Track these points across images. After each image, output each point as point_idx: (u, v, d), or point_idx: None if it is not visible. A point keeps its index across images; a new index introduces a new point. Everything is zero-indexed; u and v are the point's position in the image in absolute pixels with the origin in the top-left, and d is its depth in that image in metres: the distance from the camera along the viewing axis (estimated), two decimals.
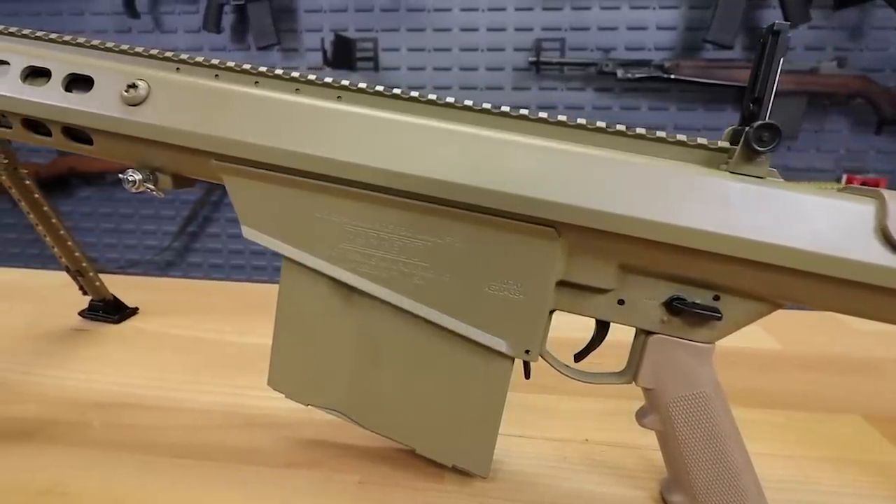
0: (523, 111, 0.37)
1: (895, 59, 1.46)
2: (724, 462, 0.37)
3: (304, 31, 1.62)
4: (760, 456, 0.39)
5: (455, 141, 0.36)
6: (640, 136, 0.35)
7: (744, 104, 0.34)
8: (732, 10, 1.37)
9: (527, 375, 0.41)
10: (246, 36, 1.63)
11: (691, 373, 0.37)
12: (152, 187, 0.41)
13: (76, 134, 0.41)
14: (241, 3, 1.54)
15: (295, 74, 0.39)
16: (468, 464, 0.42)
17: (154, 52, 0.41)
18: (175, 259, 1.86)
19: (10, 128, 0.42)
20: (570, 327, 0.42)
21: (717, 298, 0.36)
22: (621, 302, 0.37)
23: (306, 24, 1.62)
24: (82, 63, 0.40)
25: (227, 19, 1.60)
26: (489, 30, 1.56)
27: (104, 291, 0.72)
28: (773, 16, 1.43)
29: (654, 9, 1.50)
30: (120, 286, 0.76)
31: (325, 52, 1.57)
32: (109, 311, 0.72)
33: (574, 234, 0.35)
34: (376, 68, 1.61)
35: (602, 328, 0.40)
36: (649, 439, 0.42)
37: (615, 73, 1.46)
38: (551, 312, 0.39)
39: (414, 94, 0.38)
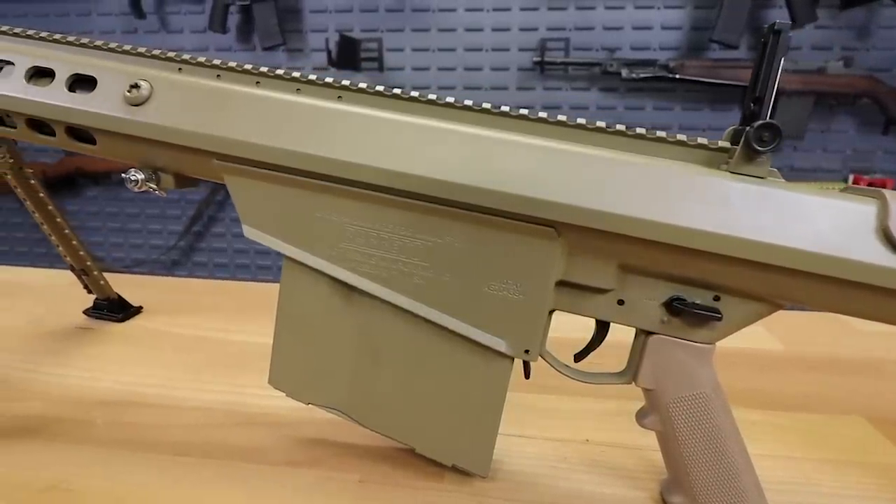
0: (523, 111, 0.37)
1: None
2: (724, 463, 0.37)
3: (310, 32, 1.63)
4: (761, 457, 0.39)
5: (455, 141, 0.36)
6: (641, 136, 0.35)
7: (745, 104, 0.34)
8: (738, 10, 1.37)
9: (527, 375, 0.41)
10: (251, 36, 1.64)
11: (691, 373, 0.37)
12: (154, 187, 0.42)
13: (80, 134, 0.42)
14: (247, 3, 1.54)
15: (296, 75, 0.39)
16: (468, 463, 0.42)
17: (156, 52, 0.41)
18: (180, 258, 1.88)
19: (15, 128, 0.43)
20: (570, 327, 0.41)
21: (717, 299, 0.35)
22: (621, 302, 0.37)
23: (311, 24, 1.62)
24: (85, 63, 0.40)
25: (233, 19, 1.61)
26: (494, 30, 1.56)
27: (108, 290, 0.73)
28: (779, 15, 1.42)
29: (659, 8, 1.49)
30: (124, 285, 0.76)
31: (329, 53, 1.57)
32: (114, 309, 0.73)
33: (574, 234, 0.35)
34: (381, 68, 1.61)
35: (602, 328, 0.40)
36: (649, 440, 0.41)
37: (620, 73, 1.45)
38: (551, 312, 0.39)
39: (414, 93, 0.38)
